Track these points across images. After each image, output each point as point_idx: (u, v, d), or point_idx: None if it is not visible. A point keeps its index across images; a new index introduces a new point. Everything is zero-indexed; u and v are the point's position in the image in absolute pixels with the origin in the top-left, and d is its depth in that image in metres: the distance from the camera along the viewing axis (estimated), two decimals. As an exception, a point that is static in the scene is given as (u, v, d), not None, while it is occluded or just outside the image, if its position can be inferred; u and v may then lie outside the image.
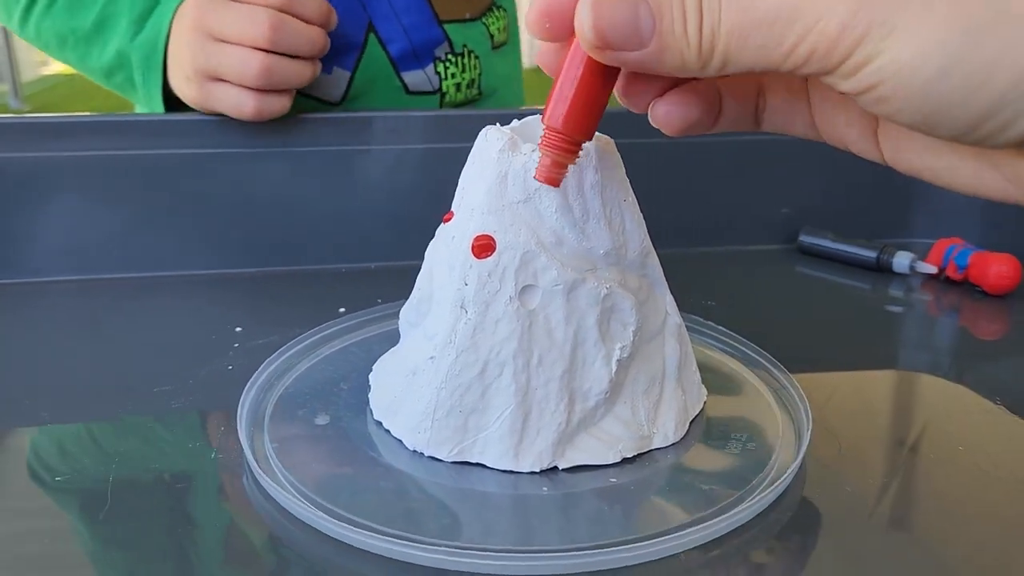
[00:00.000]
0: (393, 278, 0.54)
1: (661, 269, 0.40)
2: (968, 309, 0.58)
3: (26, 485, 0.37)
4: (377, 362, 0.43)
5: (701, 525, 0.32)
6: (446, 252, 0.38)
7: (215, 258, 0.59)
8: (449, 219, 0.39)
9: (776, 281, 0.63)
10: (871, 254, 0.63)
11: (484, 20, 0.73)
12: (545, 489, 0.35)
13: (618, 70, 0.29)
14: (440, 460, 0.37)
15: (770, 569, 0.32)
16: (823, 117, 0.30)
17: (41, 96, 4.99)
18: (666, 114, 0.30)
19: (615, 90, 0.30)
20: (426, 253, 0.40)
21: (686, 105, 0.30)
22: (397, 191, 0.60)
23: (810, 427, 0.38)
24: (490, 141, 0.37)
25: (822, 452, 0.39)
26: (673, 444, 0.38)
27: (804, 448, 0.37)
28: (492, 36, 0.73)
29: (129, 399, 0.43)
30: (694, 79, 0.30)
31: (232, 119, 0.57)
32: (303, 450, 0.38)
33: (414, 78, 0.68)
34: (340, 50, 0.65)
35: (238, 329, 0.49)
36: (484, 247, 0.36)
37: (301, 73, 0.55)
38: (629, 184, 0.38)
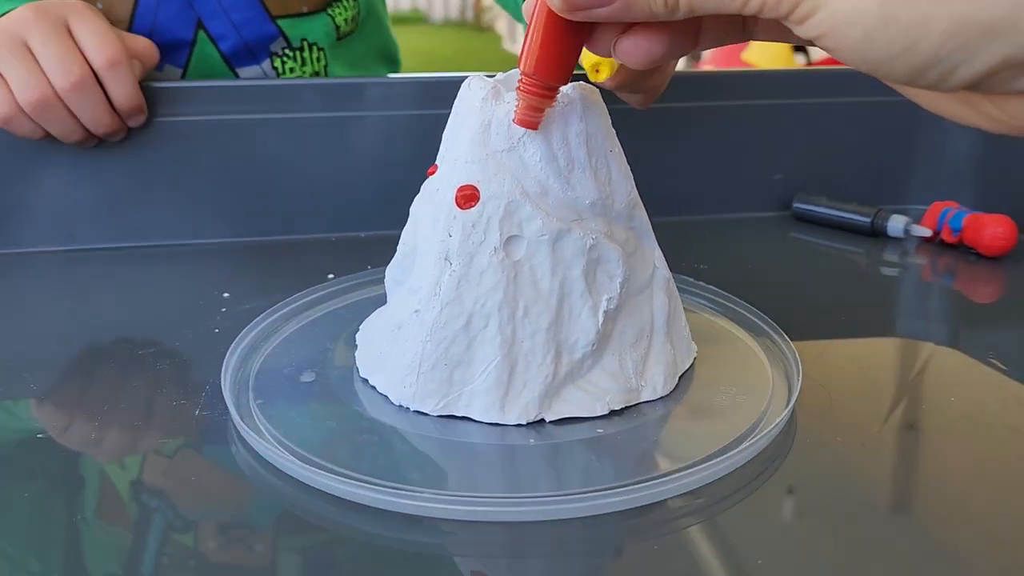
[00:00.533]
0: (383, 246, 0.53)
1: (648, 222, 0.39)
2: (963, 272, 0.58)
3: (13, 449, 0.36)
4: (364, 321, 0.43)
5: (690, 470, 0.32)
6: (430, 206, 0.37)
7: (204, 228, 0.59)
8: (433, 172, 0.38)
9: (770, 247, 0.62)
10: (865, 219, 0.62)
11: (329, 11, 0.70)
12: (532, 440, 0.35)
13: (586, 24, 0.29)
14: (426, 414, 0.36)
15: (758, 516, 0.32)
16: None
17: None
18: (633, 48, 0.29)
19: (616, 56, 0.30)
20: (411, 209, 0.40)
21: (651, 38, 0.29)
22: (387, 158, 0.60)
23: (800, 380, 0.38)
24: (473, 91, 0.36)
25: (813, 404, 0.38)
26: (662, 397, 0.38)
27: (794, 399, 0.37)
28: (338, 27, 0.71)
29: (115, 361, 0.42)
30: None
31: (217, 87, 0.56)
32: (287, 406, 0.37)
33: (250, 73, 0.68)
34: (169, 47, 0.64)
35: (225, 295, 0.49)
36: (468, 197, 0.35)
37: (70, 134, 0.54)
38: (615, 135, 0.38)
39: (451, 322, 0.36)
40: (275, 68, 0.68)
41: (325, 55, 0.70)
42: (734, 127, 0.65)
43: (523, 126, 0.35)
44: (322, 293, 0.47)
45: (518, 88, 0.34)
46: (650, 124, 0.63)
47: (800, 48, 3.43)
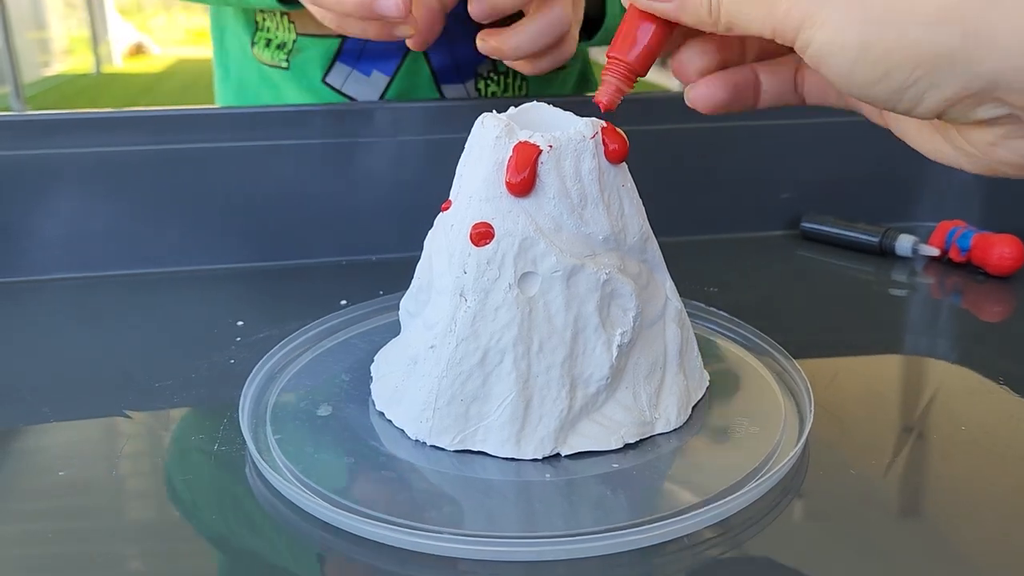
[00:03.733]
0: (394, 270, 0.54)
1: (661, 254, 0.40)
2: (971, 291, 0.58)
3: (29, 481, 0.37)
4: (379, 353, 0.43)
5: (705, 508, 0.32)
6: (444, 240, 0.38)
7: (216, 253, 0.59)
8: (447, 208, 0.39)
9: (779, 266, 0.62)
10: (873, 238, 0.62)
11: None
12: (548, 476, 0.35)
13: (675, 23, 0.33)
14: (442, 449, 0.37)
15: (775, 550, 0.32)
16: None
17: (43, 97, 4.94)
18: (694, 97, 0.35)
19: (672, 66, 0.35)
20: (425, 242, 0.40)
21: (711, 89, 0.34)
22: (398, 183, 0.60)
23: (812, 411, 0.38)
24: (487, 128, 0.37)
25: (825, 435, 0.38)
26: (676, 429, 0.38)
27: (807, 431, 0.37)
28: None
29: (131, 394, 0.43)
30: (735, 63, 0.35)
31: (230, 114, 0.57)
32: (305, 441, 0.38)
33: (453, 92, 0.68)
34: (382, 55, 0.66)
35: (239, 323, 0.49)
36: (483, 235, 0.36)
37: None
38: (627, 170, 0.38)
39: (467, 358, 0.36)
40: (478, 89, 0.69)
41: (527, 84, 0.71)
42: (742, 147, 0.66)
43: (607, 108, 0.35)
44: (336, 321, 0.48)
45: (606, 71, 0.35)
46: (658, 144, 0.63)
47: None
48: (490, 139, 0.36)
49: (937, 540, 0.33)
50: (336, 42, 0.66)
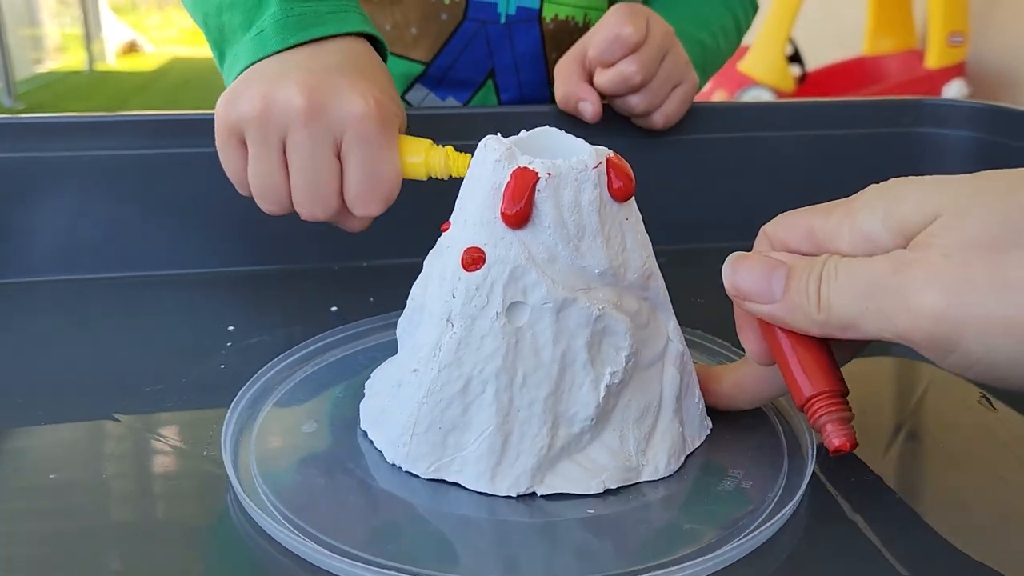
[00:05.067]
0: (385, 276, 0.54)
1: (666, 292, 0.38)
2: None
3: (16, 482, 0.36)
4: (376, 370, 0.43)
5: (678, 566, 0.30)
6: (439, 263, 0.37)
7: (207, 257, 0.59)
8: (446, 229, 0.38)
9: None
10: None
11: None
12: (522, 516, 0.34)
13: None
14: (417, 477, 0.36)
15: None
16: None
17: (35, 94, 4.87)
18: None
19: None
20: (424, 263, 0.39)
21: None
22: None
23: (812, 462, 0.36)
24: (488, 151, 0.36)
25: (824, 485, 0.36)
26: (664, 478, 0.36)
27: (803, 488, 0.35)
28: None
29: (122, 398, 0.42)
30: None
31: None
32: (283, 457, 0.37)
33: None
34: (460, 85, 0.71)
35: (230, 328, 0.49)
36: (474, 260, 0.35)
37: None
38: (634, 204, 0.37)
39: (448, 385, 0.35)
40: None
41: None
42: (730, 158, 0.66)
43: (845, 448, 0.34)
44: (337, 337, 0.47)
45: (816, 416, 0.34)
46: (648, 154, 0.64)
47: (795, 59, 3.52)
48: (490, 162, 0.35)
49: (927, 545, 0.33)
50: (419, 68, 0.69)
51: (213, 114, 0.46)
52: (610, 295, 0.36)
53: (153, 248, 0.58)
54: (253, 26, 0.47)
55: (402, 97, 0.71)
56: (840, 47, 3.55)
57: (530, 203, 0.34)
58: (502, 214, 0.34)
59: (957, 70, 3.13)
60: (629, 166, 0.36)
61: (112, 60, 7.21)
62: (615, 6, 0.60)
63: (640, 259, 0.37)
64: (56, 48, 6.75)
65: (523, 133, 0.39)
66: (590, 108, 0.60)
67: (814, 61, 3.51)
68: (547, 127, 0.39)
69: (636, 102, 0.60)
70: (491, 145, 0.36)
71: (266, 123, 0.44)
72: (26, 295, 0.56)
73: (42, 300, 0.55)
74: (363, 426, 0.39)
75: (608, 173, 0.35)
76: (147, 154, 0.57)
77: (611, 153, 0.36)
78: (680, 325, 0.39)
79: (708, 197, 0.67)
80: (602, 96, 0.61)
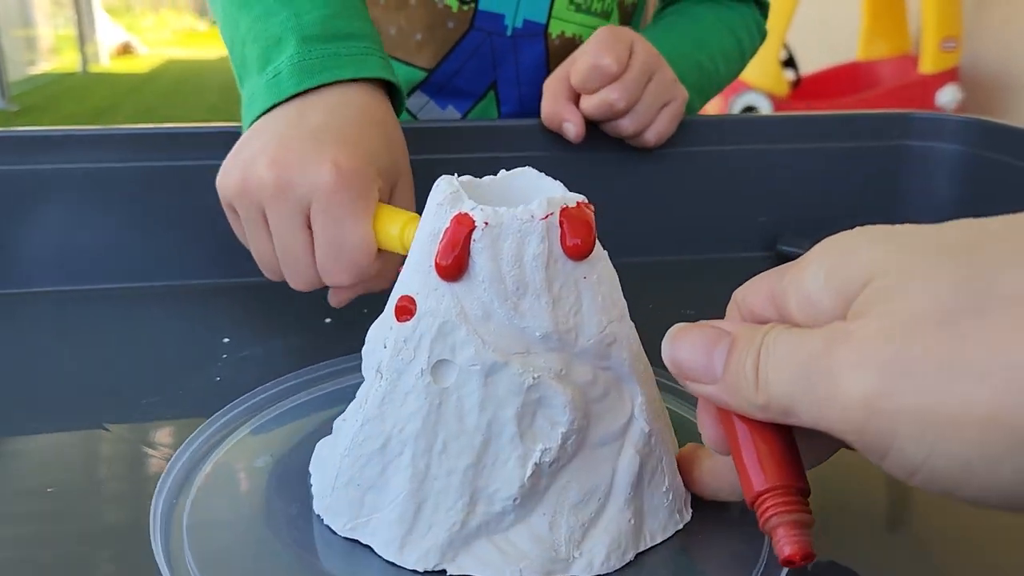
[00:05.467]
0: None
1: (637, 363, 0.33)
2: None
3: (14, 496, 0.37)
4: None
5: None
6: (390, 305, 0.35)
7: (202, 268, 0.59)
8: (404, 271, 0.35)
9: None
10: None
11: None
12: (426, 596, 0.31)
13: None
14: (335, 533, 0.33)
15: None
16: None
17: (28, 96, 4.85)
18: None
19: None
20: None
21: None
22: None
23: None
24: (436, 191, 0.33)
25: None
26: (599, 576, 0.32)
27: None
28: None
29: (118, 410, 0.43)
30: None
31: (218, 132, 0.57)
32: (219, 495, 0.36)
33: None
34: (460, 94, 0.70)
35: (226, 340, 0.49)
36: (403, 310, 0.32)
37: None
38: (600, 261, 0.33)
39: (369, 441, 0.32)
40: None
41: None
42: (720, 170, 0.67)
43: (801, 558, 0.27)
44: (329, 371, 0.45)
45: (767, 517, 0.28)
46: (638, 166, 0.65)
47: (789, 63, 3.47)
48: (433, 205, 0.32)
49: (921, 552, 0.33)
50: (421, 75, 0.69)
51: (208, 127, 0.46)
52: (553, 362, 0.32)
53: (148, 260, 0.59)
54: (270, 66, 0.46)
55: None
56: (834, 52, 3.62)
57: (465, 254, 0.31)
58: (435, 264, 0.31)
59: (951, 75, 3.16)
60: (592, 217, 0.32)
61: (106, 62, 7.08)
62: (598, 31, 0.60)
63: (598, 324, 0.32)
64: (50, 49, 6.61)
65: (501, 173, 0.36)
66: (573, 129, 0.60)
67: (808, 66, 3.58)
68: (526, 168, 0.36)
69: (625, 125, 0.61)
70: (442, 185, 0.33)
71: (245, 199, 0.43)
72: (20, 306, 0.56)
73: (37, 311, 0.56)
74: (310, 467, 0.37)
75: (561, 226, 0.31)
76: (142, 166, 0.58)
77: (576, 202, 0.32)
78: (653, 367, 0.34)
79: (699, 208, 0.68)
80: (589, 120, 0.61)
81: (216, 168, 0.46)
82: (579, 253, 0.32)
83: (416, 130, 0.62)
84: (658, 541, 0.34)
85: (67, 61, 6.70)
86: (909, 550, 0.34)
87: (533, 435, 0.31)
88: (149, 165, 0.58)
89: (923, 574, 0.33)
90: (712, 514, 0.35)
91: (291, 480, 0.37)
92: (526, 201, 0.32)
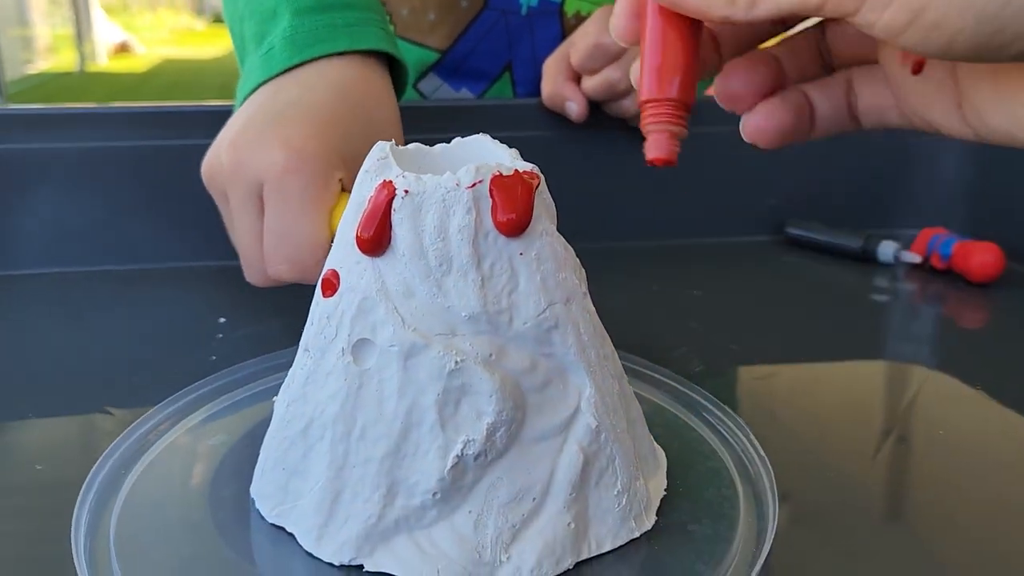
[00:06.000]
0: None
1: (587, 349, 0.30)
2: (952, 298, 0.59)
3: (5, 478, 0.36)
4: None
5: None
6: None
7: (198, 250, 0.58)
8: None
9: (763, 271, 0.64)
10: (856, 244, 0.64)
11: None
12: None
13: (699, 29, 0.27)
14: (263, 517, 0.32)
15: None
16: (906, 102, 0.28)
17: (25, 95, 4.80)
18: (756, 127, 0.29)
19: (717, 95, 0.30)
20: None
21: (773, 116, 0.29)
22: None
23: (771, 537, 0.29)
24: (368, 159, 0.30)
25: (804, 440, 0.38)
26: (529, 585, 0.29)
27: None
28: None
29: (112, 392, 0.42)
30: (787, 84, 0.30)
31: (211, 111, 0.55)
32: (171, 473, 0.34)
33: None
34: (475, 75, 0.69)
35: (221, 320, 0.48)
36: (327, 284, 0.30)
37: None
38: (541, 235, 0.29)
39: (293, 423, 0.31)
40: None
41: None
42: (728, 153, 0.62)
43: (667, 163, 0.27)
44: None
45: (647, 121, 0.27)
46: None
47: None
48: (362, 172, 0.30)
49: (917, 546, 0.33)
50: (434, 56, 0.66)
51: (202, 106, 0.45)
52: (481, 346, 0.29)
53: (143, 241, 0.58)
54: (265, 41, 0.44)
55: (414, 86, 0.67)
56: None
57: (386, 226, 0.29)
58: (356, 236, 0.29)
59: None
60: (532, 188, 0.29)
61: (103, 61, 7.00)
62: (600, 9, 0.58)
63: (537, 305, 0.29)
64: (47, 49, 6.49)
65: (455, 141, 0.33)
66: (575, 108, 0.59)
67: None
68: (480, 135, 0.33)
69: (627, 105, 0.59)
70: (374, 152, 0.31)
71: (211, 184, 0.42)
72: (15, 288, 0.56)
73: (32, 293, 0.55)
74: (261, 448, 0.36)
75: (492, 196, 0.28)
76: (136, 146, 0.57)
77: (514, 170, 0.29)
78: (622, 350, 0.33)
79: (708, 191, 0.67)
80: (592, 101, 0.59)
81: (206, 145, 0.45)
82: (512, 228, 0.28)
83: (419, 109, 0.61)
84: (605, 550, 0.30)
85: (64, 60, 6.56)
86: (909, 550, 0.33)
87: (456, 425, 0.29)
88: (142, 144, 0.58)
89: (923, 574, 0.32)
90: (679, 521, 0.32)
91: (240, 461, 0.35)
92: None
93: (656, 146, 0.27)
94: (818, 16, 0.24)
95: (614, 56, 0.55)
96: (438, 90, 0.69)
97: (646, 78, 0.27)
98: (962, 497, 0.35)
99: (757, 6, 0.24)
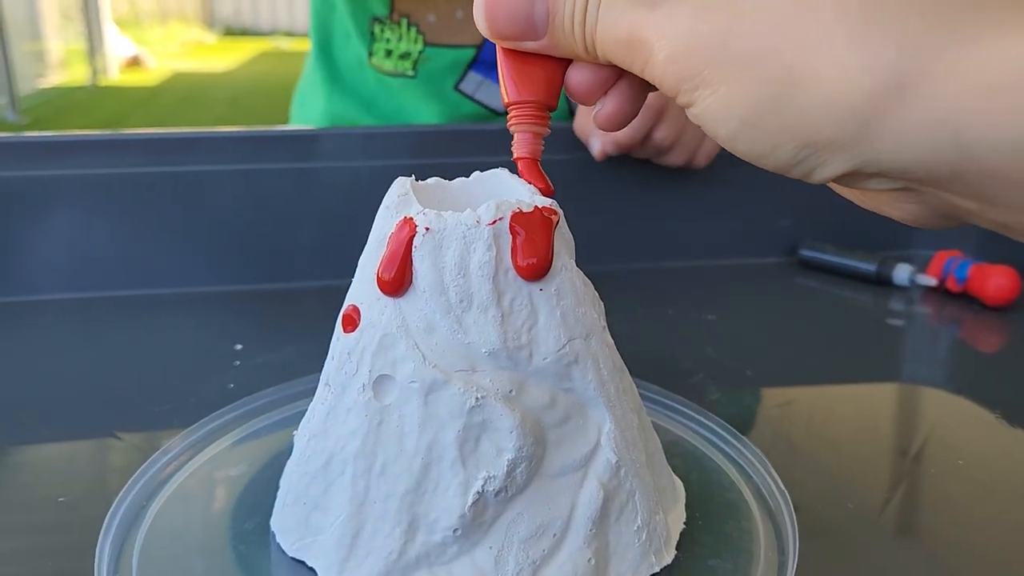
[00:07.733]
0: None
1: (606, 384, 0.30)
2: (967, 322, 0.59)
3: (25, 504, 0.37)
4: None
5: None
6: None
7: (215, 275, 0.58)
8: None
9: (777, 294, 0.64)
10: (871, 267, 0.63)
11: None
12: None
13: None
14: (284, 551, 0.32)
15: None
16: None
17: (38, 109, 4.80)
18: (604, 116, 0.28)
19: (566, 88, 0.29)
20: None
21: (613, 101, 0.28)
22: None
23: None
24: (388, 195, 0.31)
25: (822, 467, 0.38)
26: (551, 620, 0.29)
27: None
28: None
29: (130, 418, 0.43)
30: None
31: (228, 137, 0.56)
32: (190, 503, 0.35)
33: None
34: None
35: (238, 346, 0.48)
36: (347, 320, 0.30)
37: None
38: (561, 271, 0.29)
39: (314, 458, 0.31)
40: None
41: None
42: (742, 175, 0.60)
43: (532, 158, 0.29)
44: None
45: (512, 123, 0.29)
46: (660, 171, 0.63)
47: None
48: (383, 208, 0.30)
49: (935, 572, 0.33)
50: (470, 52, 0.66)
51: (218, 132, 0.45)
52: (501, 382, 0.29)
53: (160, 266, 0.59)
54: None
55: (455, 88, 0.67)
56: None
57: (407, 266, 0.29)
58: (376, 278, 0.29)
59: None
60: (551, 226, 0.29)
61: (115, 74, 6.99)
62: None
63: (557, 341, 0.29)
64: (59, 63, 6.44)
65: (474, 175, 0.33)
66: (598, 146, 0.59)
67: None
68: (498, 170, 0.33)
69: (673, 159, 0.59)
70: (396, 187, 0.31)
71: None
72: (33, 313, 0.56)
73: (48, 318, 0.56)
74: (281, 480, 0.36)
75: (513, 236, 0.28)
76: (153, 172, 0.57)
77: (534, 207, 0.29)
78: (638, 377, 0.33)
79: (721, 213, 0.67)
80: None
81: (226, 174, 0.46)
82: (533, 273, 0.29)
83: (445, 133, 0.61)
84: (628, 584, 0.30)
85: (76, 74, 6.53)
86: (908, 550, 0.34)
87: (476, 461, 0.29)
88: (159, 171, 0.58)
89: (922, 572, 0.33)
90: (699, 555, 0.32)
91: (260, 492, 0.35)
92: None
93: (521, 145, 0.29)
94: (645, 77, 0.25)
95: (657, 112, 0.56)
96: (481, 86, 0.68)
97: (507, 83, 0.28)
98: (982, 526, 0.35)
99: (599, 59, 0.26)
